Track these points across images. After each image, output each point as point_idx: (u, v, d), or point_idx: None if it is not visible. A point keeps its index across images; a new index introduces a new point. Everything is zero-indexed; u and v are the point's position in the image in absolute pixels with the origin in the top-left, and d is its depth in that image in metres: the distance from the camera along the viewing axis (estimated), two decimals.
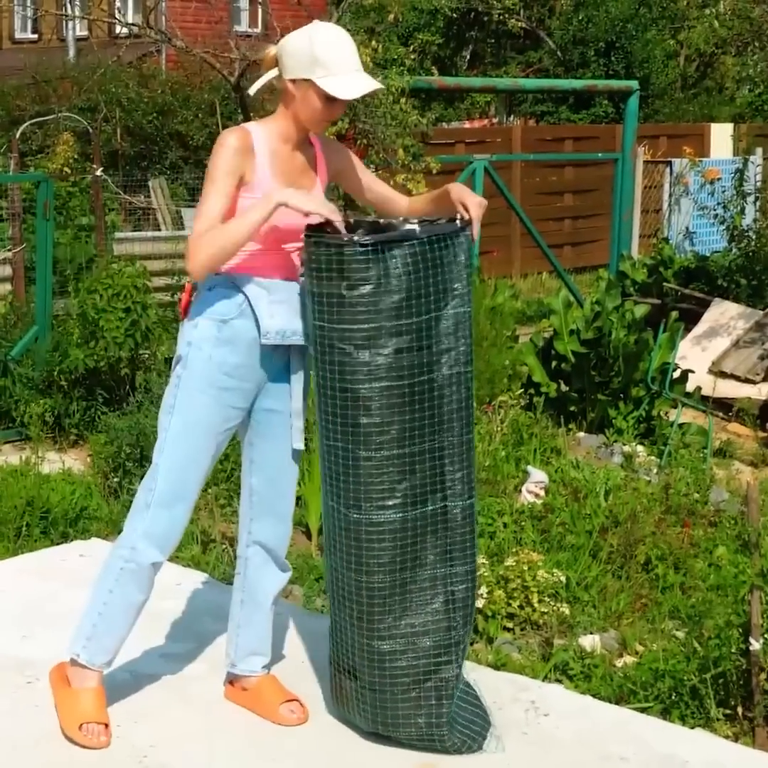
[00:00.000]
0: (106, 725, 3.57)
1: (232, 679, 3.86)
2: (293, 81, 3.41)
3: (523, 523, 5.67)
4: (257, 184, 3.45)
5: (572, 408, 7.96)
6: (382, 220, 3.49)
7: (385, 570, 3.40)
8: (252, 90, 3.63)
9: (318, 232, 3.38)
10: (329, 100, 3.39)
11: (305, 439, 3.73)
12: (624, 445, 7.35)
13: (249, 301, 3.49)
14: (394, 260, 3.31)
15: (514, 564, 5.01)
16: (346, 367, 3.35)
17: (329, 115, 3.48)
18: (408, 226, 3.36)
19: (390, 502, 3.38)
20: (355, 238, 3.31)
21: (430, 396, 3.39)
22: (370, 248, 3.30)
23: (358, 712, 3.58)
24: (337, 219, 3.35)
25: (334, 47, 3.37)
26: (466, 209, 3.43)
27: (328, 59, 3.35)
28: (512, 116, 23.50)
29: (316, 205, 3.36)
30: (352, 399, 3.36)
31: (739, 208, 11.39)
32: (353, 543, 3.42)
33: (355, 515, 3.40)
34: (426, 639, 3.47)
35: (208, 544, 5.58)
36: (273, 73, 3.51)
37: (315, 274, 3.37)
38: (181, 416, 3.50)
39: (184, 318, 3.59)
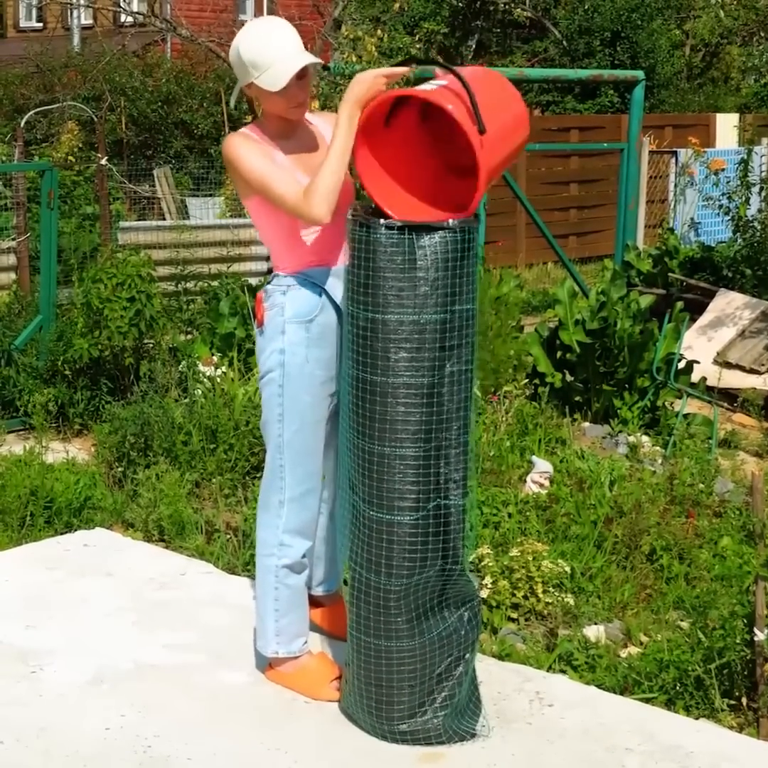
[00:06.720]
0: (338, 677, 3.81)
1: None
2: (248, 86, 3.57)
3: (527, 514, 5.66)
4: (280, 167, 3.55)
5: (577, 398, 7.94)
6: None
7: (402, 572, 3.40)
8: (231, 102, 3.85)
9: (358, 212, 3.36)
10: (281, 90, 3.50)
11: None
12: (629, 435, 7.33)
13: (328, 294, 3.62)
14: (421, 249, 3.25)
15: (518, 554, 4.99)
16: (369, 357, 3.34)
17: (293, 101, 3.56)
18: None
19: (409, 504, 3.37)
20: (383, 220, 3.28)
21: (438, 392, 3.35)
22: (399, 232, 3.26)
23: (360, 709, 3.58)
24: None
25: (256, 45, 3.51)
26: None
27: (255, 58, 3.49)
28: None
29: (384, 70, 3.46)
30: (372, 393, 3.35)
31: (743, 198, 11.35)
32: (375, 542, 3.41)
33: (386, 516, 3.39)
34: (432, 640, 3.48)
35: (212, 534, 5.57)
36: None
37: (351, 254, 3.36)
38: (291, 420, 3.68)
39: (261, 326, 3.69)
